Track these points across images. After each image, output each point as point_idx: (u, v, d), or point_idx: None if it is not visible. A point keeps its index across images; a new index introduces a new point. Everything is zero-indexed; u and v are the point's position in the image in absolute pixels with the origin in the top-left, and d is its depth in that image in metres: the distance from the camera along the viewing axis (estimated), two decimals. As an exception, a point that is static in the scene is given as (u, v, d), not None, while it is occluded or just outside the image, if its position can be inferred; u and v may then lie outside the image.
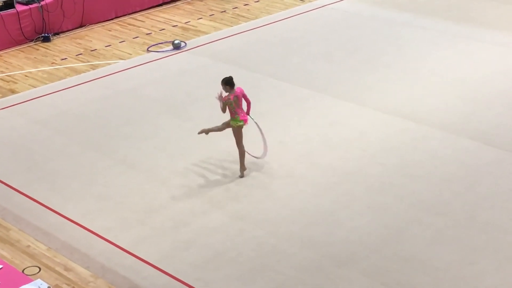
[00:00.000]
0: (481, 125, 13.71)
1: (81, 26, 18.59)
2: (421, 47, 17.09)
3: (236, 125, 12.00)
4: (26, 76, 16.20)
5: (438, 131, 13.53)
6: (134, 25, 18.82)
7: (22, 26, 17.57)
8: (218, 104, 12.04)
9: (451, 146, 13.11)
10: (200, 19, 19.15)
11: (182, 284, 10.05)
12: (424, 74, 15.80)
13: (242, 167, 12.28)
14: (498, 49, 16.88)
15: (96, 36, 18.20)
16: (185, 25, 18.76)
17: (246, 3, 20.20)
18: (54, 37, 17.99)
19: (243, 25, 18.67)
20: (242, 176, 12.25)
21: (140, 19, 19.21)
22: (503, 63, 16.22)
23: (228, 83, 11.92)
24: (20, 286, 9.09)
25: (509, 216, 11.24)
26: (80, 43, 17.77)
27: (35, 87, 15.64)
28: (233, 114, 11.94)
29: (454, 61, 16.37)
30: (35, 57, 17.08)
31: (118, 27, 18.72)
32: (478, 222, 11.14)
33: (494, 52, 16.74)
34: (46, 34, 17.85)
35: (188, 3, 20.31)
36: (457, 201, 11.62)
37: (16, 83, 15.87)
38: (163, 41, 17.77)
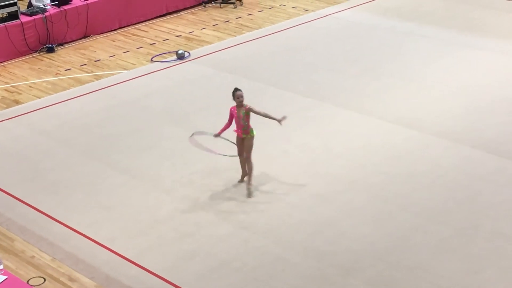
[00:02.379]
0: (484, 134, 13.71)
1: (85, 36, 18.64)
2: (423, 56, 17.10)
3: (252, 135, 11.95)
4: (30, 86, 16.24)
5: (442, 140, 13.53)
6: (138, 36, 18.87)
7: (26, 37, 17.63)
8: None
9: (455, 155, 13.11)
10: (204, 29, 19.20)
11: (186, 294, 10.08)
12: (427, 83, 15.81)
13: (250, 183, 12.11)
14: (500, 57, 16.89)
15: (100, 46, 18.25)
16: (188, 35, 18.81)
17: (250, 13, 20.25)
18: (58, 48, 18.04)
19: (247, 35, 18.71)
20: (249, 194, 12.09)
21: (144, 30, 19.26)
22: (505, 71, 16.22)
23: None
24: (25, 296, 9.13)
25: (513, 225, 11.26)
26: (84, 54, 17.82)
27: (39, 98, 15.68)
28: (249, 125, 11.93)
29: (457, 70, 16.38)
30: (39, 68, 17.13)
31: (122, 38, 18.77)
32: (482, 231, 11.13)
33: (496, 60, 16.76)
34: (50, 45, 17.89)
35: (192, 13, 20.37)
36: (461, 210, 11.62)
37: (20, 93, 15.91)
38: (167, 51, 17.81)
